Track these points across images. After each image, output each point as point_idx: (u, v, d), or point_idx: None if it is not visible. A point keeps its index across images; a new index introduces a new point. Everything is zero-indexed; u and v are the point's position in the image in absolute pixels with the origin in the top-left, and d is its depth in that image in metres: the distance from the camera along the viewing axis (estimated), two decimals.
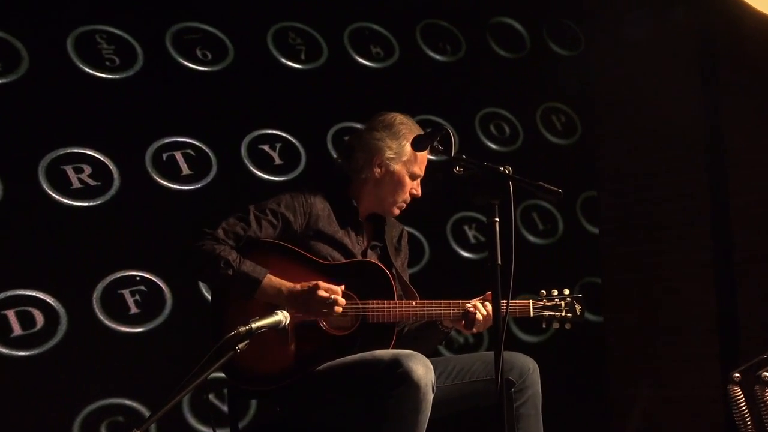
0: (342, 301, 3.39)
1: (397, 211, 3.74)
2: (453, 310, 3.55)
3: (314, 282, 3.38)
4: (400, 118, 3.71)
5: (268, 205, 3.55)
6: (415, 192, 3.72)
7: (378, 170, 3.67)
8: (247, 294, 3.39)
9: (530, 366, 3.58)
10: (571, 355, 6.04)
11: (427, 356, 3.37)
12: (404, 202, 3.72)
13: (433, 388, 3.25)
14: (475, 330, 3.56)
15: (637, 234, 6.52)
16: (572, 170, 6.49)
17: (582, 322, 3.72)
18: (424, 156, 3.68)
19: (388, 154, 3.65)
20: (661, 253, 6.40)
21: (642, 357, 6.40)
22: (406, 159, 3.66)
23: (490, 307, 3.53)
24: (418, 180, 3.73)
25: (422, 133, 3.63)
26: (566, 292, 3.72)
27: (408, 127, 3.68)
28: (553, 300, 3.69)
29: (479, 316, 3.53)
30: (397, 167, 3.66)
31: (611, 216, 6.65)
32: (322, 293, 3.36)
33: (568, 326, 3.70)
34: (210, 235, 3.43)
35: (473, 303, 3.55)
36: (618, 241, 6.61)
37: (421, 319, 3.62)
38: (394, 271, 3.67)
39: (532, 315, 3.67)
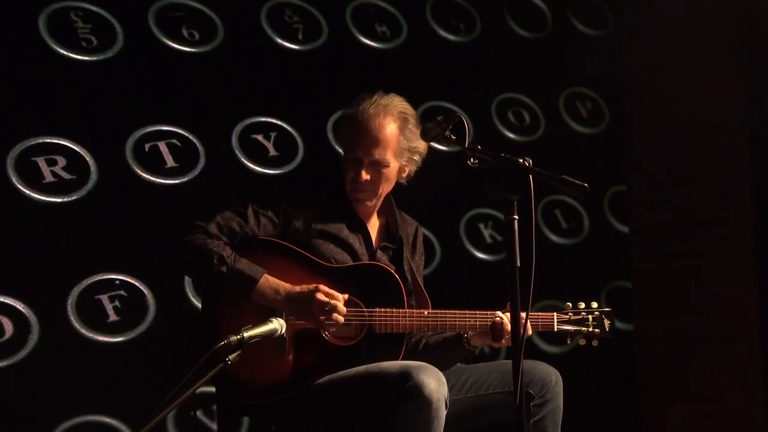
0: (342, 309, 3.40)
1: (355, 203, 3.70)
2: (469, 321, 3.55)
3: (314, 285, 3.39)
4: (361, 96, 3.71)
5: (269, 200, 3.57)
6: (351, 175, 3.64)
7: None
8: (242, 294, 3.40)
9: (552, 378, 3.59)
10: (598, 367, 6.04)
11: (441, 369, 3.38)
12: (353, 189, 3.66)
13: (446, 403, 3.26)
14: (504, 342, 3.56)
15: (672, 233, 6.52)
16: (599, 162, 6.48)
17: (611, 338, 3.73)
18: (352, 137, 3.63)
19: (337, 137, 3.73)
20: (699, 255, 6.40)
21: (676, 369, 6.40)
22: (342, 140, 3.71)
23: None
24: (360, 163, 3.62)
25: (405, 109, 3.65)
26: (594, 305, 3.73)
27: (355, 106, 3.67)
28: (579, 314, 3.71)
29: (507, 326, 3.53)
30: (340, 149, 3.73)
31: (642, 213, 6.65)
32: (321, 297, 3.37)
33: (595, 343, 3.73)
34: (202, 228, 3.44)
35: (500, 314, 3.55)
36: (650, 242, 6.61)
37: (434, 330, 3.62)
38: (408, 276, 3.67)
39: (555, 329, 3.69)
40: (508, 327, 3.52)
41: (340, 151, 3.77)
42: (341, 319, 3.40)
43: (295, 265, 3.51)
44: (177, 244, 3.46)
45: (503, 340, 3.56)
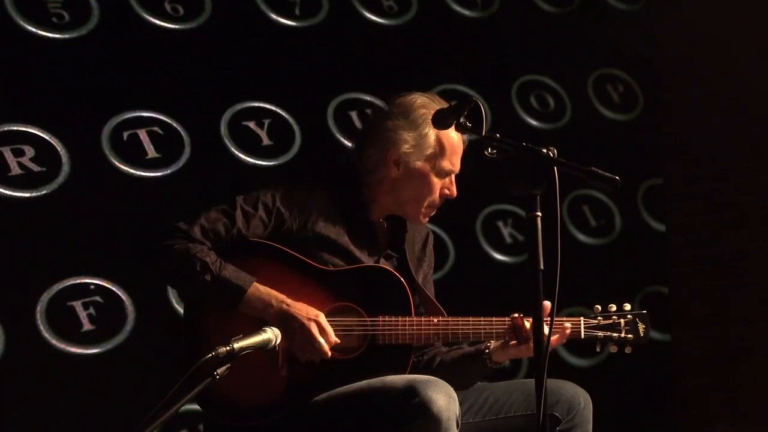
0: (327, 352, 3.39)
1: (424, 219, 3.72)
2: (484, 329, 3.54)
3: (315, 314, 3.39)
4: (420, 100, 3.66)
5: (261, 197, 3.55)
6: (447, 192, 3.67)
7: (395, 169, 3.64)
8: (229, 305, 3.40)
9: (581, 400, 3.58)
10: (632, 384, 6.03)
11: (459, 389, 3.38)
12: (433, 206, 3.69)
13: (457, 422, 3.26)
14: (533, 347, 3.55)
15: (714, 232, 6.51)
16: (632, 153, 6.48)
17: (646, 344, 3.72)
18: (456, 146, 3.64)
19: (405, 148, 3.60)
20: (743, 256, 6.39)
21: (719, 385, 6.40)
22: (430, 153, 3.62)
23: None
24: (452, 177, 3.67)
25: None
26: (627, 307, 3.71)
27: (431, 112, 3.62)
28: (610, 318, 3.68)
29: (529, 325, 3.51)
30: (418, 164, 3.62)
31: (681, 210, 6.64)
32: (313, 330, 3.37)
33: (628, 350, 3.69)
34: (183, 232, 3.44)
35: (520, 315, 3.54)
36: (689, 242, 6.60)
37: (444, 340, 3.62)
38: (416, 285, 3.66)
39: (583, 336, 3.66)
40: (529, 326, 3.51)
41: (409, 155, 3.61)
42: (316, 359, 3.40)
43: (289, 270, 3.50)
44: (156, 251, 3.45)
45: (532, 344, 3.53)
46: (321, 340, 3.37)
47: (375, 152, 3.66)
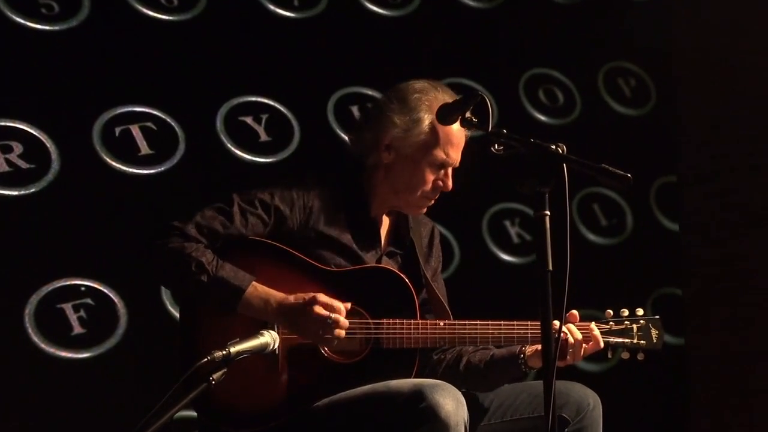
0: (344, 323, 3.39)
1: (419, 210, 3.72)
2: (492, 333, 3.53)
3: (311, 295, 3.38)
4: (419, 85, 3.66)
5: (258, 194, 3.55)
6: (441, 184, 3.64)
7: (386, 154, 3.64)
8: (227, 306, 3.39)
9: (590, 401, 3.58)
10: (643, 388, 6.03)
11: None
12: (426, 197, 3.66)
13: (465, 427, 3.26)
14: (570, 359, 3.54)
15: (729, 232, 6.50)
16: (645, 149, 6.48)
17: (659, 350, 3.72)
18: (452, 137, 3.61)
19: (396, 132, 3.60)
20: (760, 257, 6.38)
21: (735, 391, 6.39)
22: (421, 139, 3.60)
23: (577, 332, 3.55)
24: (449, 169, 3.64)
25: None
26: (640, 312, 3.71)
27: (428, 98, 3.60)
28: (622, 323, 3.69)
29: (571, 340, 3.52)
30: (409, 150, 3.61)
31: (695, 208, 6.63)
32: (319, 310, 3.36)
33: (640, 357, 3.70)
34: (178, 230, 3.43)
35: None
36: (704, 241, 6.60)
37: (451, 344, 3.62)
38: (423, 286, 3.67)
39: (602, 344, 3.66)
40: (572, 338, 3.52)
41: (399, 141, 3.60)
42: (342, 334, 3.40)
43: (289, 270, 3.50)
44: (149, 250, 3.45)
45: (569, 357, 3.54)
46: (330, 315, 3.36)
47: (369, 136, 3.68)
